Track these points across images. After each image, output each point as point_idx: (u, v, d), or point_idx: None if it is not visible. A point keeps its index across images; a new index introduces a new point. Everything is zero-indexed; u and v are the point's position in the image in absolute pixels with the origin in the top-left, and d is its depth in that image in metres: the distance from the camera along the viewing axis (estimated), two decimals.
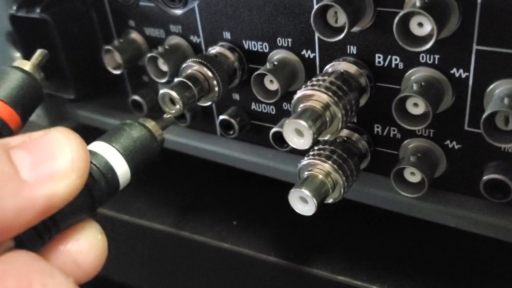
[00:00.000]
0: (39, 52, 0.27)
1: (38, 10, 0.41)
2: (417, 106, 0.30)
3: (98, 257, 0.21)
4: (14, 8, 0.41)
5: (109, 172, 0.22)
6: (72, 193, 0.19)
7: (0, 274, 0.18)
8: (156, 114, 0.27)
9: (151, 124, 0.25)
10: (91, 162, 0.21)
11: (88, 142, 0.22)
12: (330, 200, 0.32)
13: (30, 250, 0.19)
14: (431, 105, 0.28)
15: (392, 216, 0.36)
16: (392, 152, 0.34)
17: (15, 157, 0.19)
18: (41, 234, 0.20)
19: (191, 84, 0.33)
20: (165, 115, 0.28)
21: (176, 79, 0.34)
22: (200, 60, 0.34)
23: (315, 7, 0.29)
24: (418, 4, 0.26)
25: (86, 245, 0.21)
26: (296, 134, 0.29)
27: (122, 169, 0.22)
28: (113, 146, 0.23)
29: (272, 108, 0.38)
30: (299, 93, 0.30)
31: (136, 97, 0.43)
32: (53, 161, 0.19)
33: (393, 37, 0.28)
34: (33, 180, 0.19)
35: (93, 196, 0.21)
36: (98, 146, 0.23)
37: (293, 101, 0.30)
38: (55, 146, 0.20)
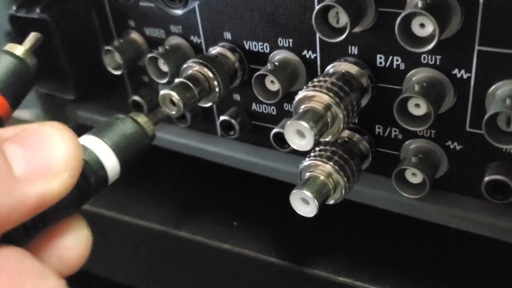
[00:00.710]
0: (32, 36, 0.25)
1: (37, 10, 0.40)
2: (418, 107, 0.30)
3: (82, 252, 0.21)
4: (14, 8, 0.41)
5: (99, 169, 0.22)
6: (65, 191, 0.19)
7: None
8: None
9: (143, 119, 0.25)
10: None
11: None
12: (331, 201, 0.32)
13: (17, 245, 0.19)
14: (432, 106, 0.28)
15: (393, 217, 0.36)
16: (394, 153, 0.34)
17: (9, 151, 0.19)
18: (28, 230, 0.20)
19: (191, 85, 0.33)
20: (159, 110, 0.28)
21: (176, 80, 0.34)
22: (200, 61, 0.34)
23: (317, 7, 0.29)
24: (420, 5, 0.26)
25: (72, 241, 0.21)
26: (298, 135, 0.29)
27: (111, 165, 0.22)
28: (103, 141, 0.23)
29: (273, 109, 0.38)
30: (301, 94, 0.30)
31: (136, 98, 0.43)
32: (47, 158, 0.19)
33: (394, 37, 0.27)
34: (26, 177, 0.18)
35: (82, 192, 0.21)
36: (89, 141, 0.22)
37: (294, 102, 0.30)
38: (49, 142, 0.19)
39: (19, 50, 0.25)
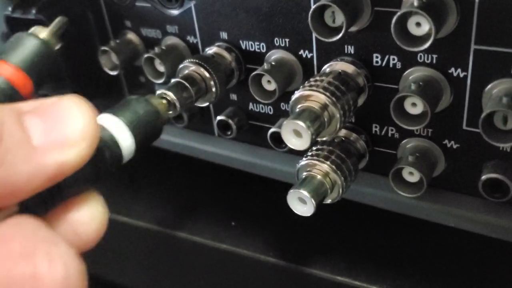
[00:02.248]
0: (58, 19, 0.27)
1: (33, 11, 0.40)
2: (415, 106, 0.30)
3: (98, 228, 0.22)
4: (10, 9, 0.41)
5: (113, 145, 0.22)
6: (81, 162, 0.20)
7: (6, 237, 0.18)
8: None
9: (157, 100, 0.25)
10: None
11: None
12: (328, 201, 0.32)
13: (34, 215, 0.19)
14: (429, 104, 0.28)
15: (391, 216, 0.36)
16: (391, 152, 0.34)
17: (28, 122, 0.19)
18: (45, 201, 0.20)
19: (188, 85, 0.33)
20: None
21: (173, 80, 0.34)
22: (197, 61, 0.34)
23: (313, 7, 0.29)
24: (415, 4, 0.26)
25: (88, 216, 0.22)
26: (295, 134, 0.29)
27: (126, 142, 0.23)
28: (119, 118, 0.23)
29: (270, 108, 0.38)
30: (297, 94, 0.30)
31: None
32: (65, 128, 0.19)
33: (390, 37, 0.27)
34: (44, 146, 0.19)
35: (98, 167, 0.22)
36: (105, 119, 0.23)
37: (291, 102, 0.30)
38: (67, 113, 0.20)
39: (43, 33, 0.26)
